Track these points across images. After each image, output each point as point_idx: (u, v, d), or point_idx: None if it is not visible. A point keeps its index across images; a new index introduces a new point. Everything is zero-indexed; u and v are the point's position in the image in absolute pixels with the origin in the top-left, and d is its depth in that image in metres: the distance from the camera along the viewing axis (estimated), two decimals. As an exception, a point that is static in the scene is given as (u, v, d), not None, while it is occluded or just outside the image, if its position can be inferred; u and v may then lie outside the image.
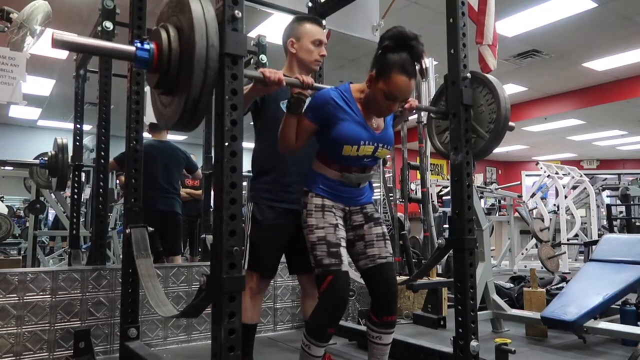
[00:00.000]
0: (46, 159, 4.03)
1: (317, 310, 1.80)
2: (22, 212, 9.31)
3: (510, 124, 2.22)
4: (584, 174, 7.85)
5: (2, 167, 5.84)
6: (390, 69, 1.74)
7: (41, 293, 2.57)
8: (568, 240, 7.09)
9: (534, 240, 6.89)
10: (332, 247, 1.79)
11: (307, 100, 1.86)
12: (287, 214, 2.09)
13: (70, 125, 4.07)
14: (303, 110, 1.85)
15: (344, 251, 1.83)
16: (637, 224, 7.02)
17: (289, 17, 3.55)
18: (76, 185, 3.83)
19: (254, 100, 2.08)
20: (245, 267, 2.08)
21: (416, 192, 6.04)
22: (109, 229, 5.38)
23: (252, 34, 4.10)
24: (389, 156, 4.74)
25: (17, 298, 2.50)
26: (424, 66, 1.77)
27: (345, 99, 1.85)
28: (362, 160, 1.87)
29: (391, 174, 5.29)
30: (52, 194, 5.59)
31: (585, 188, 7.59)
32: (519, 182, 9.14)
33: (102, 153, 3.02)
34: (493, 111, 2.19)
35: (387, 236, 1.97)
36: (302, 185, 1.96)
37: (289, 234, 2.12)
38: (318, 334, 1.77)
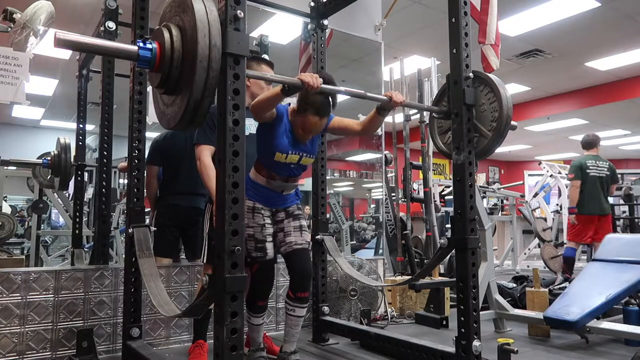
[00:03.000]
0: (49, 158, 4.03)
1: (250, 288, 2.33)
2: (25, 211, 9.33)
3: (513, 123, 2.22)
4: (587, 174, 7.81)
5: (5, 167, 5.84)
6: (307, 110, 2.16)
7: (44, 292, 2.58)
8: (570, 240, 7.06)
9: (536, 240, 6.88)
10: (258, 243, 2.26)
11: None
12: None
13: (73, 125, 4.08)
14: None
15: (269, 245, 2.29)
16: (640, 223, 6.99)
17: (292, 17, 3.58)
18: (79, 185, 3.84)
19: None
20: (205, 260, 2.41)
21: (418, 191, 6.04)
22: (112, 229, 5.39)
23: (255, 33, 4.10)
24: (391, 155, 4.78)
25: (20, 297, 2.51)
26: (335, 102, 2.22)
27: (286, 116, 2.26)
28: (289, 166, 2.26)
29: (393, 174, 5.29)
30: (55, 194, 5.60)
31: (588, 188, 7.55)
32: (521, 182, 9.12)
33: (105, 153, 3.03)
34: (495, 110, 2.19)
35: (305, 229, 2.38)
36: None
37: None
38: (251, 306, 2.34)
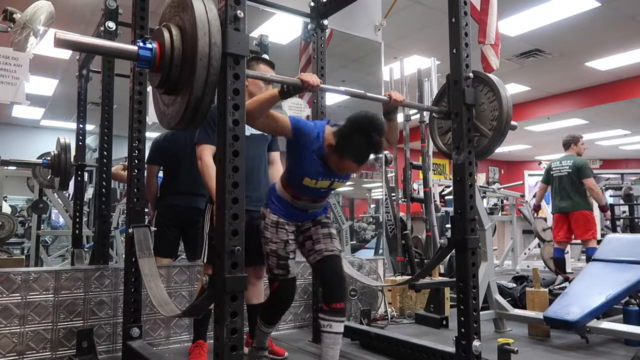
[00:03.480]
0: (49, 158, 4.03)
1: (268, 303, 2.26)
2: (25, 211, 9.33)
3: (513, 123, 2.22)
4: (587, 174, 7.81)
5: (6, 167, 5.84)
6: (345, 154, 1.97)
7: (44, 292, 2.58)
8: (571, 240, 7.07)
9: (536, 240, 6.88)
10: (281, 260, 2.11)
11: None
12: None
13: (73, 125, 4.08)
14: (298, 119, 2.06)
15: (291, 263, 2.14)
16: (640, 223, 6.99)
17: (292, 17, 3.57)
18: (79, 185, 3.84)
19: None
20: (205, 260, 2.39)
21: (418, 191, 6.04)
22: (112, 229, 5.39)
23: (255, 33, 4.10)
24: (391, 155, 4.79)
25: (20, 297, 2.51)
26: (379, 154, 2.07)
27: (320, 139, 2.03)
28: (319, 190, 2.11)
29: (394, 174, 5.29)
30: (55, 194, 5.60)
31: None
32: (521, 182, 9.12)
33: (105, 153, 3.03)
34: (495, 109, 2.19)
35: (335, 236, 2.21)
36: (252, 193, 2.29)
37: None
38: (268, 320, 2.26)
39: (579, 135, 5.33)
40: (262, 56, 3.08)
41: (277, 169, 2.69)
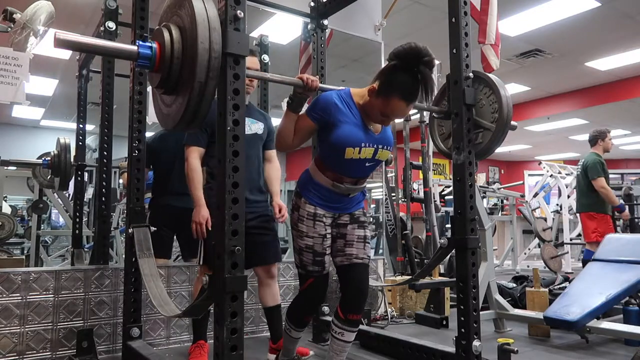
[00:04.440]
0: (49, 158, 4.03)
1: (297, 302, 2.08)
2: (25, 211, 9.33)
3: (513, 123, 2.21)
4: (587, 174, 7.81)
5: (6, 167, 5.85)
6: (392, 93, 1.77)
7: (44, 292, 2.58)
8: (571, 240, 7.08)
9: (536, 240, 6.89)
10: (317, 257, 1.94)
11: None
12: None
13: (73, 125, 4.09)
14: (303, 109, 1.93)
15: (327, 259, 1.98)
16: (640, 223, 6.98)
17: (292, 17, 3.57)
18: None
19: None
20: (201, 262, 2.37)
21: (418, 191, 6.04)
22: (112, 229, 5.39)
23: (255, 33, 4.10)
24: (391, 156, 4.72)
25: (20, 297, 2.51)
26: (429, 89, 1.77)
27: (346, 103, 1.88)
28: (363, 164, 1.91)
29: (394, 174, 5.29)
30: (55, 194, 5.60)
31: (588, 188, 7.56)
32: (521, 182, 9.12)
33: (105, 153, 3.03)
34: (495, 110, 2.19)
35: (369, 240, 2.04)
36: (249, 193, 2.28)
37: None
38: (297, 321, 2.08)
39: (606, 130, 4.87)
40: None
41: (274, 167, 2.66)
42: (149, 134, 2.67)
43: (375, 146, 1.90)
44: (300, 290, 2.04)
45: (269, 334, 2.55)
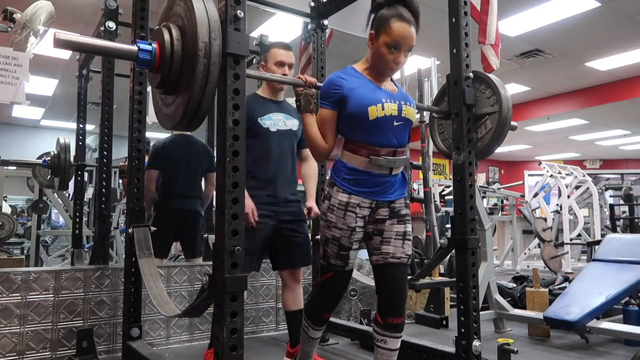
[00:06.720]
0: (49, 158, 4.04)
1: (315, 296, 2.02)
2: (25, 211, 9.32)
3: (513, 123, 2.21)
4: (587, 174, 7.83)
5: (5, 167, 5.85)
6: (388, 19, 1.78)
7: (44, 292, 2.58)
8: (571, 240, 7.07)
9: (536, 240, 6.88)
10: (342, 250, 1.82)
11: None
12: (268, 216, 2.32)
13: (73, 125, 4.09)
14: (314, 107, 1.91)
15: (353, 254, 1.85)
16: (640, 223, 6.98)
17: (292, 17, 3.57)
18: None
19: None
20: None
21: (418, 191, 6.03)
22: (112, 229, 5.39)
23: (255, 33, 4.10)
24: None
25: (20, 297, 2.51)
26: (417, 14, 1.81)
27: (352, 75, 1.85)
28: (392, 124, 1.80)
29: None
30: (55, 194, 5.60)
31: (588, 188, 7.57)
32: (521, 182, 9.11)
33: (105, 153, 3.04)
34: (495, 111, 2.19)
35: (409, 236, 1.88)
36: (284, 191, 2.34)
37: (268, 234, 2.33)
38: (314, 317, 1.96)
39: None
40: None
41: (310, 165, 2.58)
42: (149, 134, 2.68)
43: (397, 102, 1.82)
44: (317, 283, 1.96)
45: (269, 334, 2.55)
